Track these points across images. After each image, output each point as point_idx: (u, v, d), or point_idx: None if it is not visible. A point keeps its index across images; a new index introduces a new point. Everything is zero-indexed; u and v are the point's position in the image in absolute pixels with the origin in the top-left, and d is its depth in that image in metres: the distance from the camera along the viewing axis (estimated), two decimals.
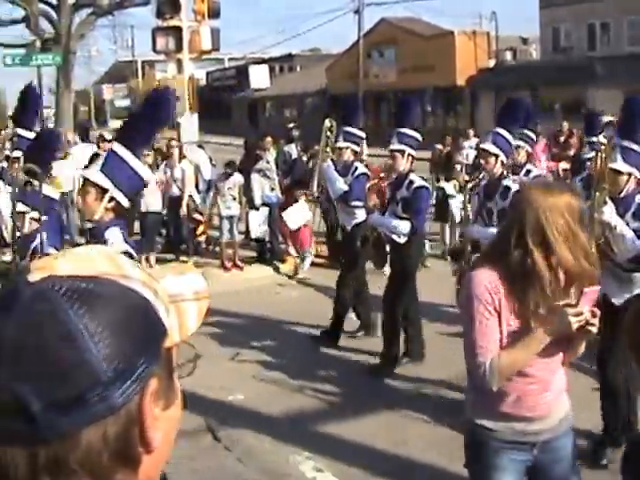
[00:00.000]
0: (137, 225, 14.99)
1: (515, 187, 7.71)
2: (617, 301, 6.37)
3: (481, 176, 8.15)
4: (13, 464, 1.03)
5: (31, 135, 7.88)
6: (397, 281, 9.08)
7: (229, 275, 13.92)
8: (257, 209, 14.34)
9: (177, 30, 17.91)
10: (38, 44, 25.19)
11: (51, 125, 33.64)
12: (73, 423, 1.01)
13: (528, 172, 10.69)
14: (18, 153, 7.94)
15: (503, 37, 47.90)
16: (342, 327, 10.12)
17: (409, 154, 9.01)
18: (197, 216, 15.41)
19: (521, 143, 10.83)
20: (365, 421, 7.63)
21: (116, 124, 67.42)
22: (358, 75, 45.91)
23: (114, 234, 5.02)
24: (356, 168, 10.16)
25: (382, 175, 13.58)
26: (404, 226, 8.82)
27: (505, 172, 8.10)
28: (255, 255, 14.95)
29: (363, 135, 10.85)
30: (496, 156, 7.85)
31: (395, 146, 9.11)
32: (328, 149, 11.43)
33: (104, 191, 5.08)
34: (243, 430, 7.50)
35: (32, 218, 6.12)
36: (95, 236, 5.09)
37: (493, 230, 7.58)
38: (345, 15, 51.45)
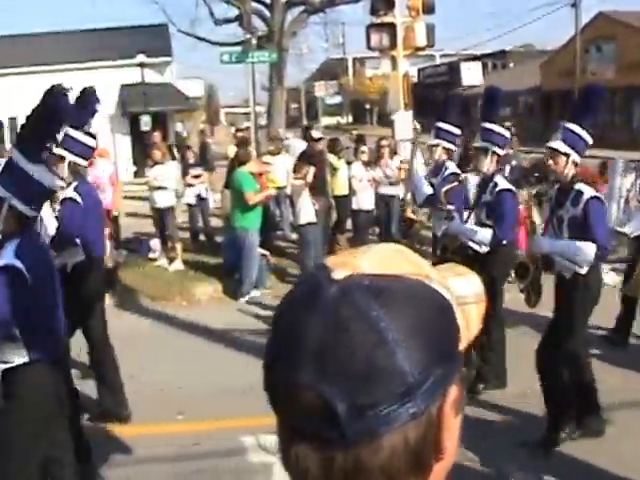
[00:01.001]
0: (350, 222, 15.09)
1: (589, 192, 6.74)
2: None
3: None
4: (304, 465, 1.02)
5: (80, 136, 7.85)
6: None
7: None
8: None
9: (391, 26, 17.71)
10: (254, 42, 25.68)
11: (263, 122, 34.38)
12: (378, 426, 0.99)
13: None
14: (62, 152, 7.84)
15: None
16: None
17: (494, 152, 8.07)
18: (410, 215, 15.26)
19: None
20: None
21: (327, 121, 68.32)
22: (574, 72, 44.45)
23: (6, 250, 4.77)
24: (446, 168, 9.41)
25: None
26: (484, 234, 7.98)
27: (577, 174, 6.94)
28: None
29: (458, 132, 9.86)
30: (567, 155, 6.79)
31: (477, 143, 8.25)
32: (418, 152, 10.86)
33: (1, 200, 4.88)
34: None
35: None
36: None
37: (563, 242, 6.77)
38: (561, 10, 49.96)
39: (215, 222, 17.19)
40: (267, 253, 13.61)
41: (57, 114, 5.21)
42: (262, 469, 6.65)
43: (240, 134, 20.84)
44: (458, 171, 9.61)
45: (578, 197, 6.69)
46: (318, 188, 13.67)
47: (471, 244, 8.32)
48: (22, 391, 4.93)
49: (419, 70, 69.86)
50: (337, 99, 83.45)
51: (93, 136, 8.51)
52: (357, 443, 0.99)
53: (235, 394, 8.28)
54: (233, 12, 33.64)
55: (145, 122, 29.01)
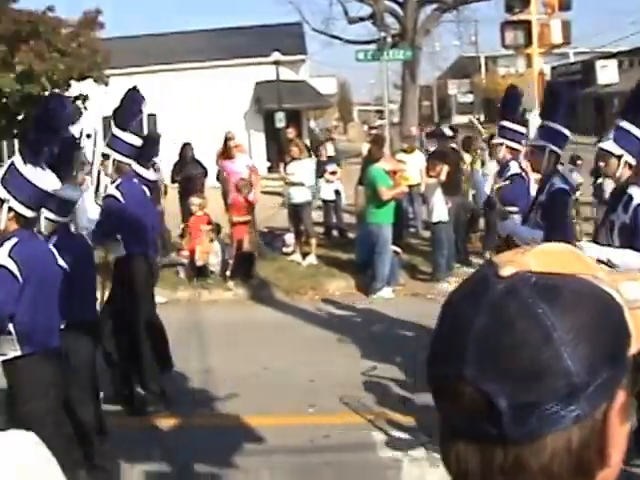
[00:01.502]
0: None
1: (638, 198, 6.06)
2: None
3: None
4: (464, 463, 1.03)
5: (125, 136, 8.18)
6: None
7: None
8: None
9: (526, 24, 17.44)
10: (389, 40, 25.71)
11: (395, 120, 34.37)
12: (540, 427, 0.98)
13: None
14: (108, 150, 8.26)
15: None
16: None
17: (551, 151, 7.41)
18: None
19: None
20: None
21: (459, 119, 67.39)
22: None
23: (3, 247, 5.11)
24: (509, 168, 8.85)
25: None
26: (536, 235, 7.18)
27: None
28: None
29: (523, 130, 9.22)
30: (619, 157, 6.25)
31: (534, 141, 7.74)
32: (479, 151, 10.35)
33: (2, 202, 5.21)
34: None
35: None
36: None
37: (608, 250, 5.93)
38: None
39: (347, 218, 17.29)
40: (399, 250, 13.61)
41: (54, 120, 5.49)
42: (391, 465, 6.68)
43: (374, 131, 20.94)
44: (520, 171, 9.06)
45: (629, 202, 6.15)
46: (451, 186, 13.61)
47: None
48: (14, 383, 5.31)
49: (552, 68, 68.44)
50: (469, 97, 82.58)
51: (154, 137, 9.25)
52: (518, 443, 0.98)
53: (367, 389, 8.35)
54: (366, 11, 33.84)
55: (279, 119, 29.32)
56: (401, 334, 10.26)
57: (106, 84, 18.32)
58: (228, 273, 13.37)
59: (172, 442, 7.20)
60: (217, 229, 14.12)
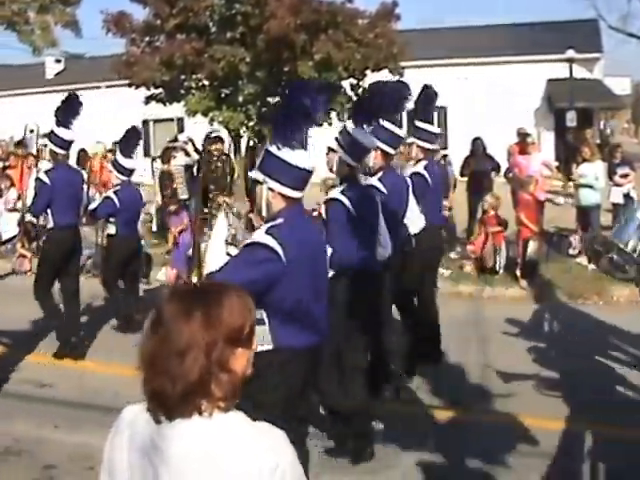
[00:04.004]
0: None
1: None
2: None
3: None
4: None
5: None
6: None
7: None
8: None
9: None
10: None
11: None
12: None
13: None
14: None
15: None
16: None
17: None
18: None
19: None
20: None
21: None
22: None
23: None
24: None
25: None
26: None
27: None
28: None
29: None
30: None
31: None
32: None
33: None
34: None
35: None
36: None
37: None
38: None
39: None
40: None
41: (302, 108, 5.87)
42: None
43: None
44: None
45: None
46: None
47: None
48: None
49: None
50: None
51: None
52: None
53: None
54: None
55: (570, 118, 28.78)
56: None
57: (401, 75, 18.65)
58: (518, 272, 13.33)
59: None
60: (504, 225, 14.11)
